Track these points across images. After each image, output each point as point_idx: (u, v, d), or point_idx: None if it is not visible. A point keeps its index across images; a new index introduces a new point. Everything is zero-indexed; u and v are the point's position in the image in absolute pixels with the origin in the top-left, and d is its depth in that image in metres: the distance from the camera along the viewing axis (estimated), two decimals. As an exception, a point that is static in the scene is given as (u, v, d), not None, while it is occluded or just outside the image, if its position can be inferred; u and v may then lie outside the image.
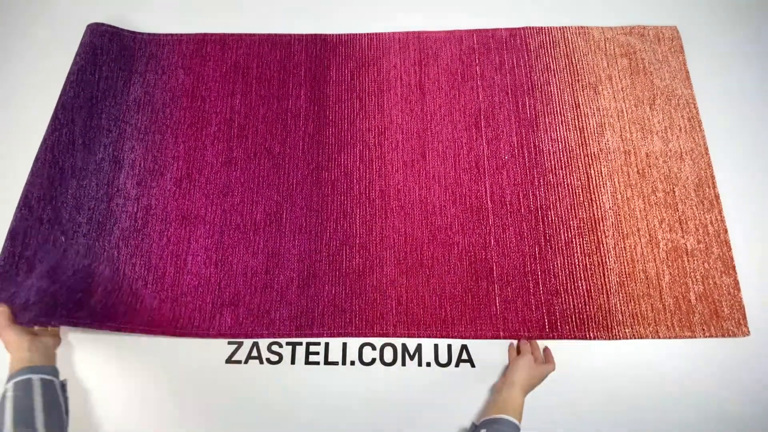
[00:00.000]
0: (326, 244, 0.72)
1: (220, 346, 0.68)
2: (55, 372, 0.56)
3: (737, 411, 0.63)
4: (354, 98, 0.81)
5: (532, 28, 0.85)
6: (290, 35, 0.85)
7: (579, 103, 0.80)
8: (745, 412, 0.63)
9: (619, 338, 0.67)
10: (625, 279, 0.69)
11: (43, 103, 0.76)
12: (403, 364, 0.67)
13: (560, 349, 0.67)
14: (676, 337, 0.66)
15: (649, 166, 0.75)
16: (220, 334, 0.67)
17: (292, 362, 0.67)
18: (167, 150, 0.77)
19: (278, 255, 0.71)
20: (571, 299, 0.69)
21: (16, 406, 0.49)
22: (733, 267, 0.69)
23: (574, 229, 0.72)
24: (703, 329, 0.67)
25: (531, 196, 0.74)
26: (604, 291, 0.69)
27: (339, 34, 0.85)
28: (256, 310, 0.69)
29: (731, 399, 0.64)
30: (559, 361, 0.66)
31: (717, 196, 0.73)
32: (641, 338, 0.66)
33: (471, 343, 0.67)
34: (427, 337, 0.68)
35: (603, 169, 0.75)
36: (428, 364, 0.66)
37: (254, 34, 0.85)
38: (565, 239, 0.72)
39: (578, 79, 0.81)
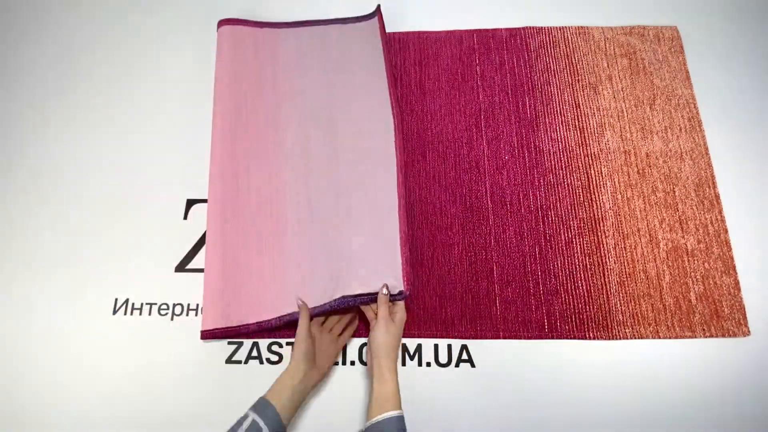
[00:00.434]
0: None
1: (220, 346, 0.68)
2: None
3: (737, 411, 0.63)
4: (354, 98, 0.81)
5: (532, 28, 0.85)
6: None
7: (579, 103, 0.80)
8: (745, 412, 0.63)
9: (619, 338, 0.67)
10: (625, 279, 0.69)
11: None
12: (403, 364, 0.66)
13: (560, 349, 0.67)
14: (676, 337, 0.66)
15: (649, 166, 0.75)
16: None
17: (292, 362, 0.67)
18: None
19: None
20: (571, 299, 0.68)
21: None
22: (734, 267, 0.69)
23: (574, 229, 0.72)
24: (704, 329, 0.67)
25: (531, 196, 0.74)
26: (604, 291, 0.69)
27: (339, 34, 0.85)
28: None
29: (731, 399, 0.64)
30: (559, 361, 0.66)
31: (717, 196, 0.73)
32: (641, 338, 0.66)
33: (471, 343, 0.67)
34: (427, 337, 0.68)
35: (603, 169, 0.75)
36: (428, 364, 0.66)
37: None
38: (565, 239, 0.71)
39: (578, 79, 0.81)
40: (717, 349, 0.66)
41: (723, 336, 0.66)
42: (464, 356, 0.67)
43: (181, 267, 0.72)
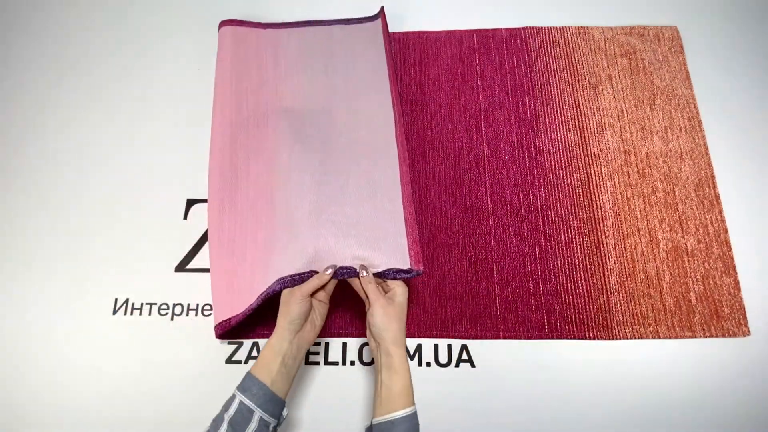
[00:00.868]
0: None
1: (220, 346, 0.68)
2: (280, 407, 0.51)
3: (737, 411, 0.63)
4: (354, 98, 0.81)
5: (532, 28, 0.85)
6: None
7: (579, 103, 0.80)
8: (745, 412, 0.63)
9: (619, 338, 0.66)
10: (625, 279, 0.69)
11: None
12: (403, 364, 0.66)
13: (560, 349, 0.67)
14: (676, 337, 0.66)
15: (649, 166, 0.75)
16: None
17: (292, 362, 0.67)
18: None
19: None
20: (571, 299, 0.68)
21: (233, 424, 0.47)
22: (734, 267, 0.69)
23: (574, 229, 0.72)
24: (704, 329, 0.67)
25: (531, 196, 0.74)
26: (604, 291, 0.69)
27: (339, 34, 0.85)
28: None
29: (731, 399, 0.64)
30: (559, 361, 0.66)
31: (717, 196, 0.73)
32: (641, 338, 0.66)
33: (471, 343, 0.67)
34: (427, 337, 0.68)
35: (603, 169, 0.75)
36: (428, 364, 0.66)
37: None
38: (565, 239, 0.71)
39: (578, 79, 0.81)
40: (717, 349, 0.66)
41: (723, 336, 0.66)
42: (464, 356, 0.67)
43: (181, 267, 0.72)
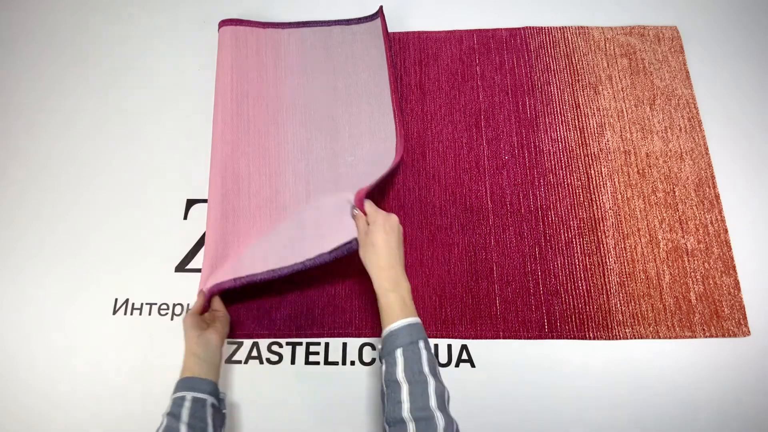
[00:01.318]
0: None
1: (220, 346, 0.68)
2: (210, 387, 0.54)
3: (737, 411, 0.63)
4: (354, 98, 0.81)
5: (532, 28, 0.85)
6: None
7: (579, 103, 0.80)
8: (745, 412, 0.63)
9: (619, 338, 0.66)
10: (625, 279, 0.69)
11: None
12: (403, 364, 0.66)
13: (560, 349, 0.67)
14: (676, 337, 0.66)
15: (649, 166, 0.75)
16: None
17: (292, 362, 0.67)
18: None
19: None
20: (571, 299, 0.68)
21: (168, 426, 0.49)
22: (734, 267, 0.69)
23: (574, 229, 0.72)
24: (704, 329, 0.67)
25: (531, 196, 0.74)
26: (604, 291, 0.69)
27: (339, 34, 0.85)
28: (256, 310, 0.69)
29: (731, 399, 0.64)
30: (559, 361, 0.66)
31: (717, 196, 0.73)
32: (641, 338, 0.66)
33: (471, 343, 0.67)
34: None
35: (603, 169, 0.75)
36: (428, 364, 0.66)
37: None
38: (565, 239, 0.71)
39: (578, 79, 0.81)
40: (717, 349, 0.66)
41: (723, 336, 0.66)
42: (464, 356, 0.67)
43: (181, 267, 0.72)
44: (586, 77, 0.81)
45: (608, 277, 0.69)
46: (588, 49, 0.84)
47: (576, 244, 0.71)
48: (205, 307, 0.64)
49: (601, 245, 0.71)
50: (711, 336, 0.66)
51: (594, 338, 0.67)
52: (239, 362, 0.67)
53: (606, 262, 0.70)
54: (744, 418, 0.63)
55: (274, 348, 0.68)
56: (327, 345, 0.68)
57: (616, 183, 0.74)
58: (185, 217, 0.75)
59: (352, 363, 0.67)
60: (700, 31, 0.85)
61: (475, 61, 0.83)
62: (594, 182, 0.75)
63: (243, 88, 0.78)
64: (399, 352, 0.49)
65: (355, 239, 0.57)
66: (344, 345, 0.68)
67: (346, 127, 0.75)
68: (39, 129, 0.82)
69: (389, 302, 0.52)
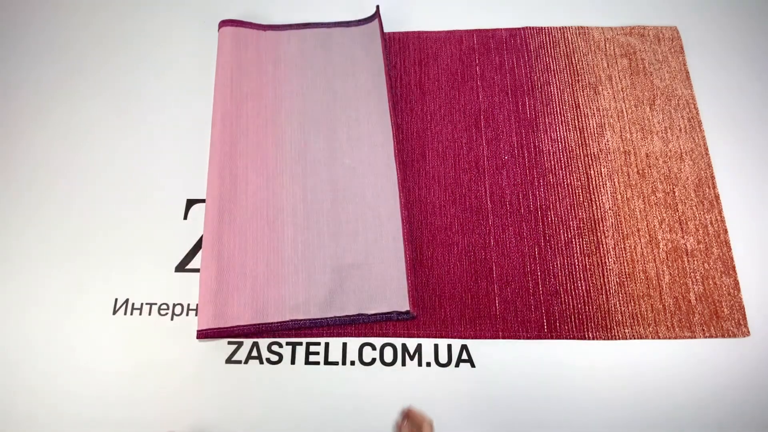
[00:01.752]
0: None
1: (220, 346, 0.68)
2: None
3: (737, 411, 0.63)
4: (354, 98, 0.81)
5: (532, 28, 0.85)
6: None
7: (579, 103, 0.80)
8: (745, 412, 0.63)
9: (619, 339, 0.67)
10: (624, 279, 0.69)
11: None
12: (403, 364, 0.67)
13: (560, 349, 0.67)
14: (676, 338, 0.66)
15: (649, 167, 0.75)
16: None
17: (292, 362, 0.67)
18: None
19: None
20: (570, 299, 0.68)
21: None
22: (733, 267, 0.69)
23: (573, 229, 0.72)
24: (703, 329, 0.67)
25: (531, 196, 0.74)
26: (604, 291, 0.69)
27: (339, 34, 0.85)
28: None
29: (731, 399, 0.64)
30: (558, 361, 0.66)
31: (717, 196, 0.73)
32: (641, 338, 0.66)
33: (471, 343, 0.67)
34: (427, 337, 0.68)
35: (603, 170, 0.75)
36: (428, 364, 0.66)
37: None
38: (564, 239, 0.71)
39: (578, 79, 0.81)
40: (717, 349, 0.66)
41: (723, 336, 0.66)
42: (464, 356, 0.67)
43: (181, 267, 0.72)
44: (586, 77, 0.82)
45: (608, 278, 0.69)
46: (588, 49, 0.84)
47: (575, 244, 0.71)
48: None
49: (601, 245, 0.71)
50: (710, 336, 0.66)
51: (593, 338, 0.67)
52: (239, 362, 0.67)
53: (605, 262, 0.70)
54: (744, 419, 0.63)
55: (274, 348, 0.68)
56: (327, 345, 0.68)
57: (616, 183, 0.74)
58: (185, 217, 0.75)
59: (352, 363, 0.67)
60: (700, 31, 0.85)
61: (475, 61, 0.83)
62: (594, 182, 0.75)
63: (242, 89, 0.78)
64: None
65: (395, 312, 0.65)
66: (344, 345, 0.68)
67: (344, 130, 0.75)
68: (39, 129, 0.82)
69: None
